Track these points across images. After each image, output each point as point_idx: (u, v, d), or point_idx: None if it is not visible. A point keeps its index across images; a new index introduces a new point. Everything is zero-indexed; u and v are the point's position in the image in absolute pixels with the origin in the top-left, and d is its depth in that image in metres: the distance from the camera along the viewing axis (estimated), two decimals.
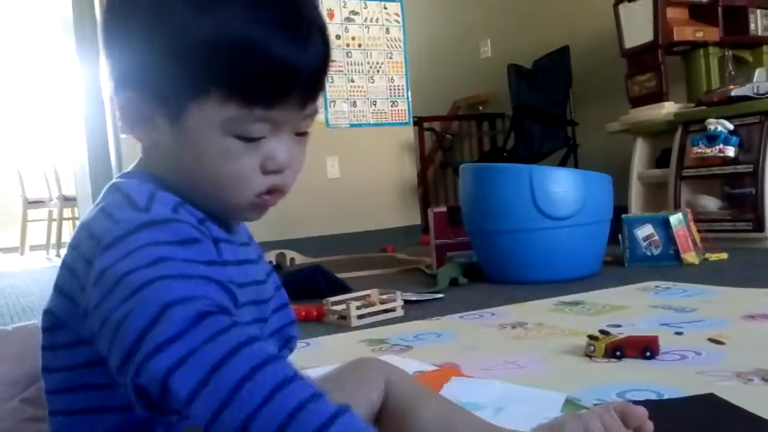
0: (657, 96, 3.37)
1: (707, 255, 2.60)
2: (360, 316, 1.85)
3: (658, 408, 0.92)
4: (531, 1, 4.80)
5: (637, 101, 3.49)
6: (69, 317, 0.62)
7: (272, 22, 0.60)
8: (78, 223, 0.66)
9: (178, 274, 0.54)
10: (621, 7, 3.52)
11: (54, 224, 5.92)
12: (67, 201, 5.68)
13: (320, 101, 0.67)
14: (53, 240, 5.88)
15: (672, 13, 3.38)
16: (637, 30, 3.45)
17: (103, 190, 0.66)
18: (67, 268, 0.63)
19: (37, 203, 6.14)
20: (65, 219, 5.94)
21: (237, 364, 0.49)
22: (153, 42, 0.61)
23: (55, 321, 0.64)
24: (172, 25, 0.60)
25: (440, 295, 2.24)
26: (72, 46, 4.48)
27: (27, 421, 0.87)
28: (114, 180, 0.67)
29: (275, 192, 0.66)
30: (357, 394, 0.77)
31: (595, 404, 1.05)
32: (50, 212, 6.01)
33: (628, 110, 3.54)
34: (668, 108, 3.31)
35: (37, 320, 0.76)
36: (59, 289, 0.64)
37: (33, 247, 6.25)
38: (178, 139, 0.63)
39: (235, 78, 0.59)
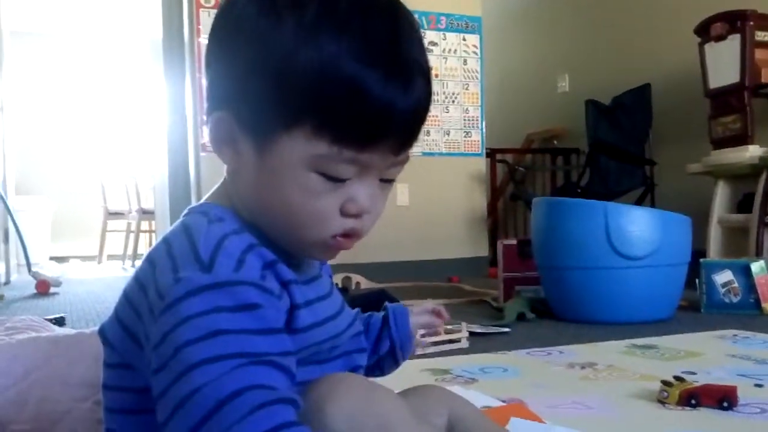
0: (741, 138, 3.26)
1: None
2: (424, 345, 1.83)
3: None
4: (611, 37, 4.74)
5: (720, 143, 3.39)
6: (125, 346, 0.64)
7: (378, 62, 0.58)
8: (155, 236, 0.67)
9: (233, 353, 0.54)
10: (707, 46, 3.44)
11: (131, 236, 6.13)
12: (146, 214, 5.88)
13: (413, 149, 0.65)
14: (130, 251, 6.08)
15: (760, 54, 3.28)
16: (723, 70, 3.36)
17: (179, 220, 0.66)
18: (132, 304, 0.63)
19: (116, 215, 6.37)
20: (142, 231, 6.14)
21: None
22: (255, 66, 0.60)
23: (121, 340, 0.64)
24: (277, 51, 0.59)
25: (506, 329, 2.20)
26: (160, 67, 4.67)
27: (100, 423, 0.90)
28: (187, 211, 0.67)
29: (350, 236, 0.65)
30: (421, 405, 0.76)
31: None
32: (128, 224, 6.23)
33: (709, 152, 3.44)
34: (753, 151, 3.20)
35: None
36: (120, 320, 0.65)
37: (110, 257, 6.48)
38: (260, 169, 0.62)
39: (330, 114, 0.58)
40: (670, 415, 1.21)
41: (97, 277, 5.05)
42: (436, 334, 1.87)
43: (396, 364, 0.88)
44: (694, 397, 1.24)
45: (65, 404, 0.90)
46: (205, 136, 3.89)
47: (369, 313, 0.89)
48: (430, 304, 0.94)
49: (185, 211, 0.67)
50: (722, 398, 1.23)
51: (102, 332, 0.67)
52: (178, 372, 0.54)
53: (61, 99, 7.87)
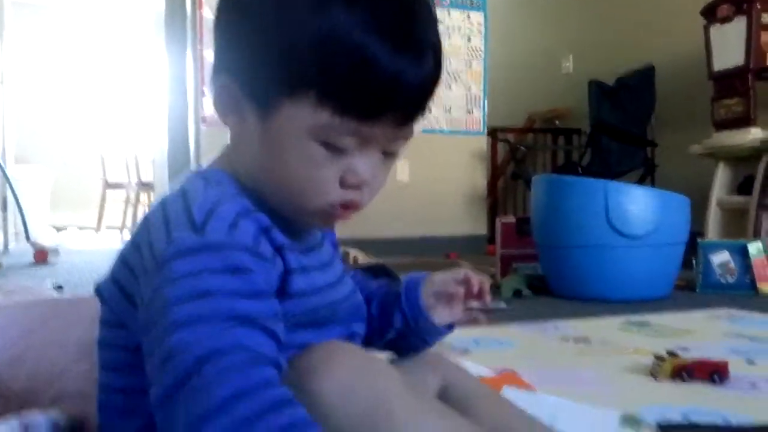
0: (744, 121, 3.26)
1: None
2: None
3: None
4: (616, 19, 4.71)
5: (722, 125, 3.38)
6: (120, 306, 0.64)
7: (388, 34, 0.58)
8: None
9: (219, 314, 0.54)
10: (712, 28, 3.42)
11: (130, 207, 6.14)
12: (144, 186, 5.88)
13: (418, 125, 0.65)
14: (128, 222, 6.09)
15: (766, 36, 3.26)
16: (728, 52, 3.34)
17: (180, 182, 0.65)
18: (127, 264, 0.64)
19: (115, 186, 6.38)
20: (141, 203, 6.15)
21: None
22: (265, 33, 0.60)
23: (116, 298, 0.65)
24: (287, 19, 0.59)
25: (503, 305, 2.21)
26: (162, 40, 4.64)
27: (96, 383, 0.90)
28: (188, 175, 0.67)
29: (348, 207, 0.64)
30: (413, 373, 0.76)
31: (658, 424, 1.02)
32: (127, 196, 6.24)
33: (711, 134, 3.43)
34: (755, 134, 3.19)
35: None
36: (116, 280, 0.65)
37: (109, 228, 6.49)
38: (263, 136, 0.62)
39: (336, 84, 0.58)
40: (662, 389, 1.22)
41: (95, 248, 5.06)
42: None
43: (424, 342, 0.81)
44: (686, 371, 1.25)
45: (61, 365, 0.91)
46: (206, 109, 3.89)
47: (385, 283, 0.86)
48: (460, 271, 0.79)
49: (185, 176, 0.67)
50: (713, 372, 1.24)
51: (98, 290, 0.68)
52: (164, 329, 0.54)
53: (61, 70, 7.83)
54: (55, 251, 3.96)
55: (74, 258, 4.08)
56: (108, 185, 6.44)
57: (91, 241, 5.76)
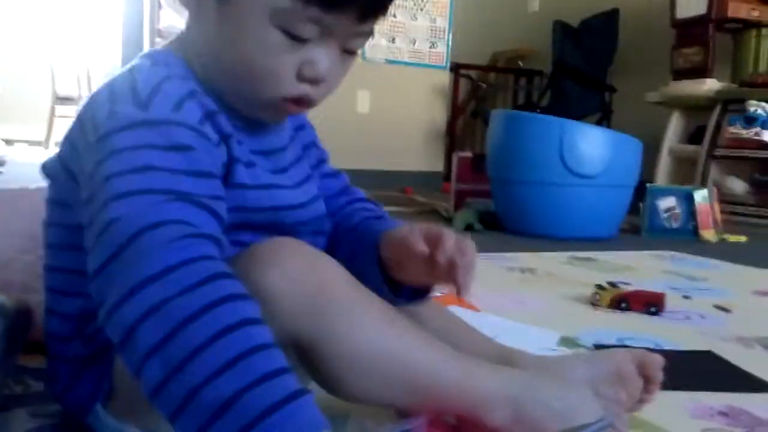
0: (701, 71, 3.31)
1: (726, 235, 2.58)
2: None
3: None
4: None
5: (680, 74, 3.43)
6: (65, 184, 0.64)
7: None
8: None
9: (159, 188, 0.53)
10: None
11: None
12: None
13: (379, 22, 0.63)
14: None
15: None
16: (691, 1, 3.36)
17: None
18: (71, 141, 0.63)
19: (65, 100, 6.18)
20: None
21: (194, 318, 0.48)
22: None
23: (60, 176, 0.65)
24: None
25: None
26: None
27: (40, 276, 0.90)
28: (141, 54, 0.65)
29: (301, 102, 0.63)
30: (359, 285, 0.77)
31: (595, 345, 1.06)
32: (78, 110, 6.06)
33: (668, 82, 3.48)
34: (710, 84, 3.25)
35: None
36: (61, 158, 0.65)
37: (57, 143, 6.32)
38: (221, 18, 0.60)
39: None
40: (600, 316, 1.27)
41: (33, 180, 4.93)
42: None
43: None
44: (624, 301, 1.30)
45: (6, 254, 0.90)
46: (162, 21, 3.78)
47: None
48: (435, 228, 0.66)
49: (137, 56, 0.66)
50: (650, 303, 1.29)
51: (44, 168, 0.67)
52: (103, 201, 0.53)
53: None
54: (2, 161, 3.85)
55: (21, 170, 3.98)
56: (58, 99, 6.24)
57: (39, 156, 5.61)
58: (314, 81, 0.62)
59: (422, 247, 0.64)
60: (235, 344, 0.48)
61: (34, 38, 7.52)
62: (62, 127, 6.27)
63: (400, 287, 0.69)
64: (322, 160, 0.79)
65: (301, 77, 0.61)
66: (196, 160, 0.57)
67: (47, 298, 0.69)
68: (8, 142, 6.58)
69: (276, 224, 0.68)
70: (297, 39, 0.59)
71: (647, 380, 0.74)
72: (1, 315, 0.70)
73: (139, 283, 0.49)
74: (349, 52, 0.63)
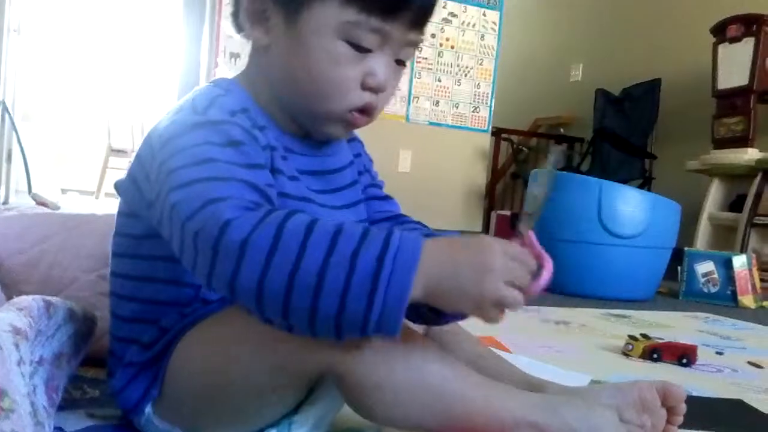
0: (742, 140, 3.33)
1: (765, 303, 2.56)
2: None
3: (686, 401, 0.95)
4: (627, 30, 4.77)
5: (721, 143, 3.45)
6: (131, 196, 0.71)
7: None
8: None
9: (220, 176, 0.60)
10: (720, 47, 3.48)
11: None
12: None
13: (425, 34, 0.72)
14: None
15: None
16: (733, 72, 3.41)
17: None
18: (138, 157, 0.71)
19: (119, 152, 6.41)
20: None
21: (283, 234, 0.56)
22: None
23: (129, 190, 0.72)
24: None
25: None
26: (180, 8, 4.69)
27: (102, 295, 0.96)
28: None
29: (366, 112, 0.70)
30: None
31: None
32: (130, 163, 6.26)
33: (709, 151, 3.50)
34: (751, 154, 3.26)
35: None
36: (130, 174, 0.72)
37: (108, 194, 6.52)
38: (290, 39, 0.68)
39: None
40: (632, 365, 1.29)
41: (94, 211, 5.09)
42: None
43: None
44: (657, 352, 1.32)
45: (72, 272, 0.97)
46: (218, 76, 3.94)
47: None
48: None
49: None
50: (682, 355, 1.30)
51: (116, 185, 0.75)
52: (167, 190, 0.60)
53: (76, 33, 7.86)
54: (56, 206, 4.01)
55: None
56: (112, 151, 6.47)
57: (90, 206, 5.80)
58: (377, 89, 0.69)
59: None
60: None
61: (93, 91, 7.87)
62: (113, 179, 6.48)
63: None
64: (375, 185, 0.85)
65: (365, 87, 0.69)
66: (248, 154, 0.64)
67: (111, 302, 0.76)
68: (62, 190, 6.83)
69: None
70: (361, 50, 0.67)
71: (670, 411, 0.76)
72: (71, 319, 0.76)
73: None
74: (401, 63, 0.71)
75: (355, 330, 0.56)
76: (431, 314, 0.71)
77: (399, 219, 0.86)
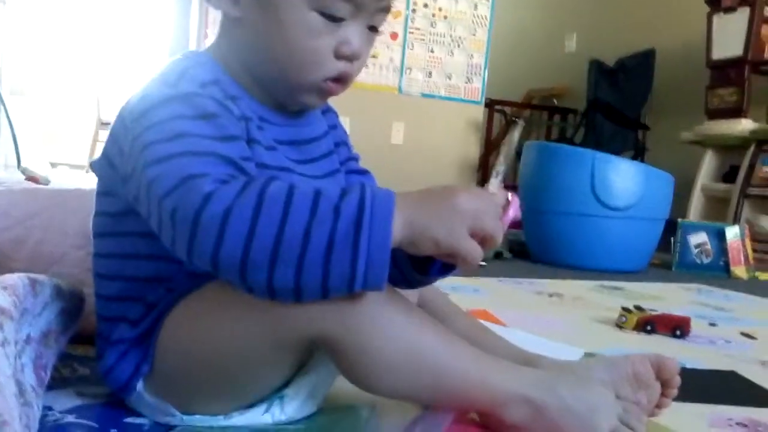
0: (736, 111, 3.31)
1: (757, 273, 2.57)
2: None
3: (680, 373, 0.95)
4: (622, 1, 4.73)
5: (715, 114, 3.44)
6: (107, 174, 0.71)
7: None
8: None
9: (194, 150, 0.59)
10: (715, 17, 3.46)
11: None
12: None
13: (412, 89, 0.71)
14: None
15: (767, 30, 3.30)
16: (727, 42, 3.39)
17: None
18: (111, 134, 0.70)
19: (109, 125, 6.35)
20: None
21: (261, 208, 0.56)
22: None
23: (104, 168, 0.71)
24: None
25: (483, 263, 2.27)
26: None
27: (91, 272, 0.95)
28: None
29: (340, 80, 0.70)
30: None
31: None
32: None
33: (703, 122, 3.48)
34: (745, 125, 3.25)
35: None
36: (104, 153, 0.71)
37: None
38: (261, 12, 0.67)
39: None
40: (626, 337, 1.29)
41: (85, 185, 5.07)
42: None
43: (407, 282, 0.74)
44: (650, 324, 1.32)
45: (61, 249, 0.95)
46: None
47: None
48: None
49: None
50: (676, 327, 1.31)
51: (92, 165, 0.74)
52: (143, 166, 0.60)
53: (62, 5, 7.75)
54: (46, 180, 3.97)
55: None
56: (102, 124, 6.41)
57: (80, 179, 5.76)
58: (351, 58, 0.68)
59: None
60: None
61: (81, 64, 7.78)
62: None
63: (428, 266, 0.72)
64: (352, 158, 0.84)
65: (338, 55, 0.68)
66: (222, 126, 0.63)
67: (95, 283, 0.74)
68: (52, 164, 6.79)
69: None
70: (333, 19, 0.66)
71: (665, 384, 0.76)
72: (58, 296, 0.75)
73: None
74: (374, 30, 0.70)
75: (343, 283, 0.57)
76: (417, 274, 0.72)
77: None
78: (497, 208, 0.64)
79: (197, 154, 0.59)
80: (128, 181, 0.63)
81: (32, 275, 0.70)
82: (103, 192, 0.73)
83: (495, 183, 0.69)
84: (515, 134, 0.77)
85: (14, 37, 5.39)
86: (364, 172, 0.85)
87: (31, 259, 0.94)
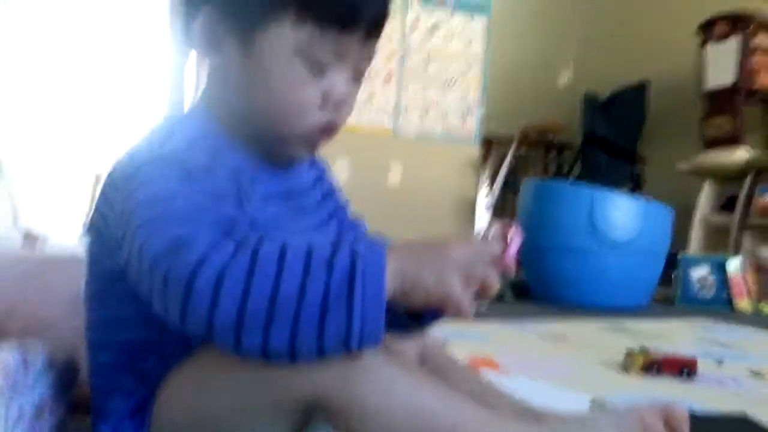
0: (731, 140, 3.31)
1: (761, 305, 2.55)
2: None
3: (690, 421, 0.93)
4: (613, 35, 4.77)
5: (711, 144, 3.43)
6: (97, 233, 0.69)
7: None
8: None
9: (184, 211, 0.58)
10: (707, 46, 3.47)
11: None
12: None
13: (377, 48, 0.71)
14: None
15: (758, 58, 3.32)
16: (720, 71, 3.40)
17: None
18: (103, 193, 0.69)
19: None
20: None
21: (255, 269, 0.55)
22: None
23: (95, 232, 0.70)
24: None
25: (483, 307, 2.24)
26: (165, 26, 4.66)
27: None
28: None
29: (328, 130, 0.69)
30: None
31: None
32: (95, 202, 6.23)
33: (699, 152, 3.49)
34: (741, 154, 3.25)
35: None
36: (98, 208, 0.70)
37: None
38: (246, 64, 0.66)
39: (313, 1, 0.64)
40: (632, 381, 1.26)
41: (80, 248, 5.06)
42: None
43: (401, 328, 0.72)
44: (657, 366, 1.30)
45: (54, 319, 0.94)
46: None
47: None
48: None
49: None
50: (683, 368, 1.28)
51: (84, 226, 0.74)
52: (133, 229, 0.59)
53: (55, 57, 7.84)
54: (44, 237, 3.96)
55: (65, 245, 4.09)
56: (99, 180, 6.43)
57: (79, 234, 5.75)
58: (337, 105, 0.68)
59: None
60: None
61: (76, 118, 7.84)
62: None
63: (420, 314, 0.71)
64: (341, 207, 0.83)
65: (325, 101, 0.67)
66: (209, 183, 0.62)
67: (87, 353, 0.73)
68: (49, 220, 6.78)
69: None
70: (318, 67, 0.66)
71: None
72: (50, 367, 0.74)
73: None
74: (358, 78, 0.70)
75: (340, 339, 0.56)
76: (411, 321, 0.71)
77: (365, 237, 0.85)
78: (491, 254, 0.63)
79: (186, 214, 0.58)
80: (120, 243, 0.62)
81: (24, 344, 0.68)
82: (94, 254, 0.72)
83: (495, 227, 0.69)
84: (503, 167, 0.77)
85: (9, 92, 5.43)
86: (355, 221, 0.84)
87: (23, 330, 0.92)
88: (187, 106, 4.29)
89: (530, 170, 5.37)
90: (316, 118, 0.68)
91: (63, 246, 3.12)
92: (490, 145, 4.99)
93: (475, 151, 4.66)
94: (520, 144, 5.36)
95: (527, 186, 2.60)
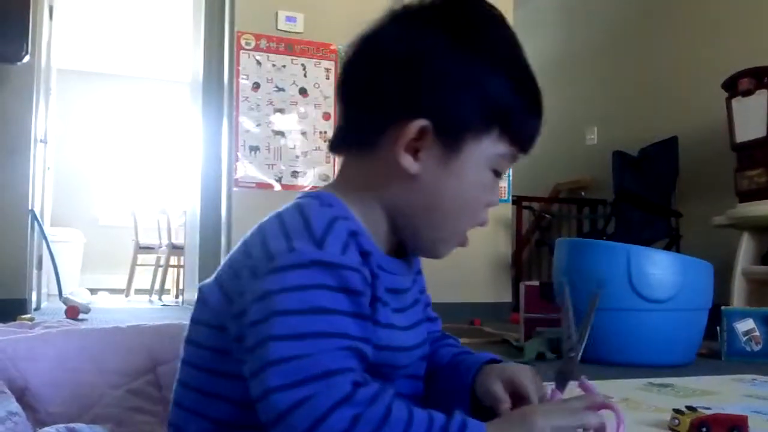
0: (766, 191, 3.28)
1: None
2: None
3: None
4: (640, 91, 4.80)
5: (746, 196, 3.40)
6: (220, 307, 0.70)
7: (537, 97, 0.76)
8: (183, 271, 0.72)
9: (330, 332, 0.60)
10: (734, 101, 3.48)
11: (160, 270, 6.23)
12: (175, 249, 5.98)
13: None
14: (157, 285, 6.17)
15: None
16: (749, 125, 3.39)
17: (292, 202, 0.72)
18: (233, 267, 0.69)
19: (146, 249, 6.49)
20: (171, 266, 6.23)
21: None
22: (463, 84, 0.70)
23: (216, 298, 0.71)
24: (476, 74, 0.71)
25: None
26: (198, 106, 4.82)
27: (130, 410, 0.95)
28: (300, 195, 0.73)
29: (481, 226, 0.77)
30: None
31: None
32: (158, 258, 6.33)
33: (735, 204, 3.45)
34: None
35: None
36: (220, 283, 0.71)
37: (138, 291, 6.57)
38: (443, 169, 0.71)
39: (514, 122, 0.72)
40: None
41: (125, 308, 5.13)
42: None
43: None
44: (705, 426, 1.26)
45: (99, 389, 0.95)
46: (239, 171, 4.01)
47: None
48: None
49: (298, 196, 0.74)
50: (732, 427, 1.25)
51: (200, 289, 0.74)
52: (268, 335, 0.60)
53: (100, 134, 8.11)
54: (87, 308, 4.03)
55: (105, 316, 4.15)
56: (139, 248, 6.55)
57: (121, 303, 5.83)
58: (494, 205, 0.76)
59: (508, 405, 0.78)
60: None
61: (118, 191, 8.05)
62: (142, 276, 6.53)
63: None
64: (428, 304, 0.86)
65: (489, 204, 0.75)
66: (359, 304, 0.64)
67: (174, 413, 0.74)
68: (92, 291, 6.89)
69: (384, 364, 0.72)
70: (498, 175, 0.74)
71: None
72: None
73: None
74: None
75: None
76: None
77: (443, 338, 0.90)
78: (578, 422, 0.68)
79: (331, 336, 0.60)
80: (239, 317, 0.63)
81: (71, 426, 0.70)
82: (203, 321, 0.72)
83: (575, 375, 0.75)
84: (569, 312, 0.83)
85: (55, 169, 5.61)
86: (434, 319, 0.88)
87: (68, 403, 0.94)
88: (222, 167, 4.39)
89: (563, 228, 5.35)
90: (482, 216, 0.75)
91: (101, 320, 3.18)
92: (521, 203, 4.99)
93: (507, 210, 4.67)
94: (551, 201, 5.35)
95: (561, 244, 2.58)
